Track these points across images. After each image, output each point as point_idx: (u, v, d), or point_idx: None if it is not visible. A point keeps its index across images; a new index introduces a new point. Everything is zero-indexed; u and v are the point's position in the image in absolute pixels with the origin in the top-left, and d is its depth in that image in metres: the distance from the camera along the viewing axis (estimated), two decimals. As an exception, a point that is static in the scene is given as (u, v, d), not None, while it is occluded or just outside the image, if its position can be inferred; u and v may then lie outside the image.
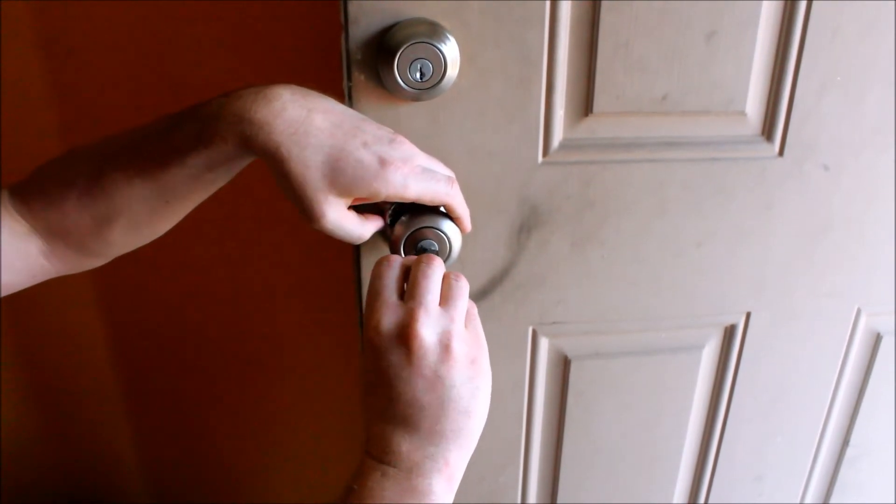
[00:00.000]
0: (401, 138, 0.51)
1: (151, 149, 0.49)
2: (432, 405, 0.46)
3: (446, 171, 0.55)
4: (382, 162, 0.48)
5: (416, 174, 0.50)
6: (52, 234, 0.51)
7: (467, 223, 0.57)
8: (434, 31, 0.57)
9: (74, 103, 0.94)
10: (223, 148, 0.47)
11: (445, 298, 0.49)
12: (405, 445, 0.47)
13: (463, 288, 0.51)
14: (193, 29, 0.90)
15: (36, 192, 0.51)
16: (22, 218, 0.51)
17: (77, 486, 1.31)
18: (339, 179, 0.47)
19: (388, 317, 0.47)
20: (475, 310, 0.53)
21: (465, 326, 0.49)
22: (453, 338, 0.47)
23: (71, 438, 1.25)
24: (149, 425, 1.23)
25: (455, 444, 0.47)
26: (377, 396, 0.48)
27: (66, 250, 0.53)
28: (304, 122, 0.47)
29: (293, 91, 0.48)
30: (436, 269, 0.50)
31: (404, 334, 0.46)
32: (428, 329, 0.47)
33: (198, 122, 0.48)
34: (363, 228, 0.52)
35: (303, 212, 0.48)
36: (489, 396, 0.49)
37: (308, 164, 0.46)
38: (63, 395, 1.20)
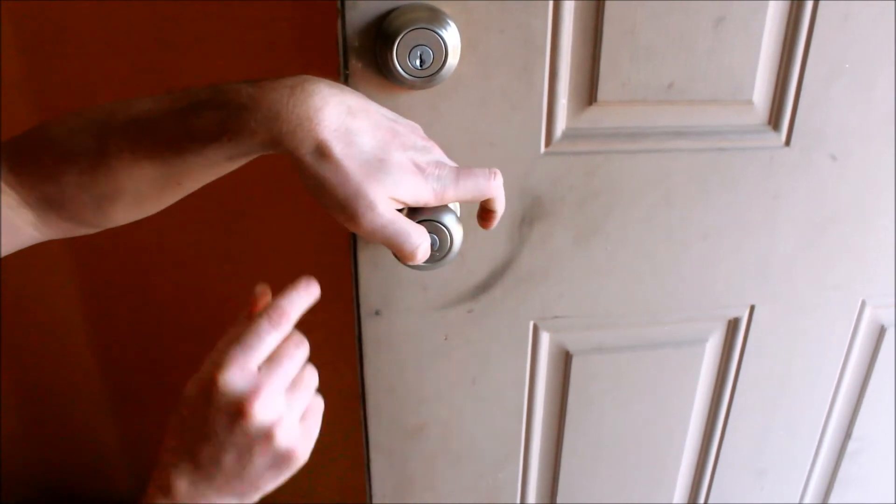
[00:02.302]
0: (432, 143, 0.50)
1: (165, 132, 0.45)
2: (230, 471, 0.46)
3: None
4: (420, 167, 0.47)
5: (453, 176, 0.48)
6: (46, 206, 0.47)
7: (497, 221, 0.54)
8: (434, 17, 0.55)
9: (71, 105, 0.91)
10: (250, 142, 0.43)
11: (296, 386, 0.48)
12: (189, 488, 0.47)
13: (313, 382, 0.50)
14: (185, 18, 0.87)
15: (30, 164, 0.47)
16: (11, 189, 0.47)
17: (62, 481, 1.29)
18: (385, 179, 0.45)
19: (238, 379, 0.45)
20: (321, 407, 0.52)
21: (302, 419, 0.49)
22: (280, 428, 0.46)
23: (56, 434, 1.24)
24: (137, 422, 1.22)
25: (238, 500, 0.48)
26: (184, 432, 0.46)
27: (59, 221, 0.49)
28: (345, 119, 0.44)
29: (330, 85, 0.45)
30: (302, 356, 0.49)
31: (242, 408, 0.44)
32: (264, 412, 0.45)
33: (221, 110, 0.44)
34: (421, 234, 0.47)
35: (348, 208, 0.44)
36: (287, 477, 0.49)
37: (352, 161, 0.44)
38: (48, 390, 1.18)
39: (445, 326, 0.71)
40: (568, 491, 0.86)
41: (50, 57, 0.89)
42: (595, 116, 0.64)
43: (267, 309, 0.47)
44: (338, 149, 0.43)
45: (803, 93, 0.65)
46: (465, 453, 0.80)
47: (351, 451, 1.09)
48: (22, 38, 0.88)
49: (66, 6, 0.86)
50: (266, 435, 0.45)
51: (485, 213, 0.54)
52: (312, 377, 0.50)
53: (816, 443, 0.88)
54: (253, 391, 0.45)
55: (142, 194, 0.47)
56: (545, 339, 0.74)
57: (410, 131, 0.49)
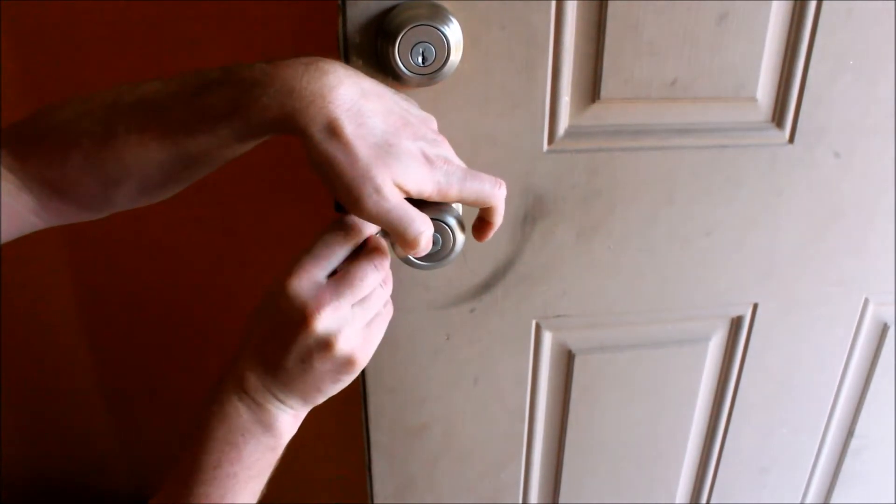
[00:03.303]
0: (442, 138, 0.49)
1: (174, 111, 0.44)
2: (293, 373, 0.47)
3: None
4: (429, 159, 0.46)
5: (460, 174, 0.48)
6: (48, 191, 0.47)
7: (492, 234, 0.54)
8: (436, 14, 0.55)
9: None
10: (262, 118, 0.43)
11: (365, 300, 0.49)
12: (257, 382, 0.47)
13: (384, 296, 0.51)
14: (184, 17, 0.87)
15: (32, 147, 0.46)
16: (12, 174, 0.46)
17: (61, 480, 1.29)
18: (393, 164, 0.44)
19: (305, 288, 0.46)
20: (389, 314, 0.53)
21: (368, 325, 0.49)
22: (341, 337, 0.47)
23: (54, 433, 1.23)
24: (132, 419, 1.21)
25: (302, 401, 0.49)
26: (253, 331, 0.48)
27: (61, 207, 0.48)
28: (358, 100, 0.44)
29: (345, 67, 0.45)
30: (374, 276, 0.49)
31: (305, 317, 0.45)
32: (325, 323, 0.46)
33: (234, 86, 0.43)
34: (425, 222, 0.47)
35: (353, 190, 0.43)
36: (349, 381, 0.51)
37: (362, 141, 0.43)
38: (46, 389, 1.18)
39: (447, 326, 0.70)
40: (570, 490, 0.85)
41: (49, 56, 0.88)
42: (598, 114, 0.63)
43: (339, 220, 0.49)
44: (349, 128, 0.43)
45: (807, 90, 0.65)
46: (467, 453, 0.79)
47: (352, 451, 1.09)
48: (22, 37, 0.87)
49: (66, 6, 0.85)
50: (326, 344, 0.46)
51: (482, 223, 0.53)
52: (384, 292, 0.51)
53: (819, 440, 0.88)
54: (317, 302, 0.45)
55: (148, 178, 0.47)
56: (547, 338, 0.74)
57: (422, 122, 0.48)
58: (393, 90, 0.48)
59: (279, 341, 0.46)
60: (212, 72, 0.45)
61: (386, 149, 0.44)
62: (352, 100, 0.43)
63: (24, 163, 0.46)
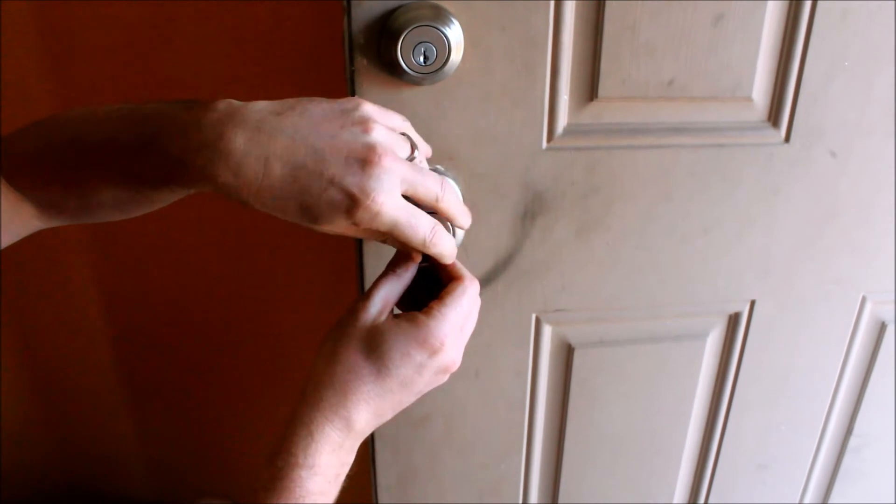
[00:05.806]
0: (371, 142, 0.46)
1: (123, 168, 0.47)
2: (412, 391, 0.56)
3: (425, 146, 0.56)
4: (353, 198, 0.45)
5: (395, 198, 0.47)
6: (41, 206, 0.50)
7: (462, 222, 0.55)
8: (438, 15, 0.56)
9: (74, 104, 0.92)
10: (198, 186, 0.46)
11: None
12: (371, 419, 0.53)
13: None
14: (191, 16, 0.88)
15: (17, 175, 0.49)
16: (12, 184, 0.49)
17: (79, 479, 1.31)
18: (318, 220, 0.46)
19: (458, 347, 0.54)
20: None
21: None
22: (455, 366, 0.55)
23: (73, 432, 1.25)
24: (151, 422, 1.23)
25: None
26: (391, 390, 0.54)
27: (56, 215, 0.51)
28: (262, 176, 0.44)
29: (247, 132, 0.44)
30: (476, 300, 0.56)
31: (452, 366, 0.55)
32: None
33: (164, 158, 0.45)
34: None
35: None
36: None
37: (284, 212, 0.46)
38: (65, 388, 1.20)
39: (449, 319, 0.72)
40: (570, 483, 0.87)
41: (52, 56, 0.90)
42: (596, 112, 0.65)
43: (467, 280, 0.55)
44: (268, 205, 0.46)
45: (802, 90, 0.66)
46: (468, 445, 0.81)
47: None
48: (24, 37, 0.89)
49: (68, 6, 0.87)
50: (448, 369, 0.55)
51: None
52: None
53: (818, 438, 0.89)
54: (459, 355, 0.55)
55: (122, 204, 0.50)
56: (547, 331, 0.76)
57: (346, 144, 0.46)
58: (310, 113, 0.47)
59: (417, 385, 0.54)
60: (143, 129, 0.46)
61: (305, 211, 0.46)
62: (256, 178, 0.45)
63: (15, 183, 0.49)
